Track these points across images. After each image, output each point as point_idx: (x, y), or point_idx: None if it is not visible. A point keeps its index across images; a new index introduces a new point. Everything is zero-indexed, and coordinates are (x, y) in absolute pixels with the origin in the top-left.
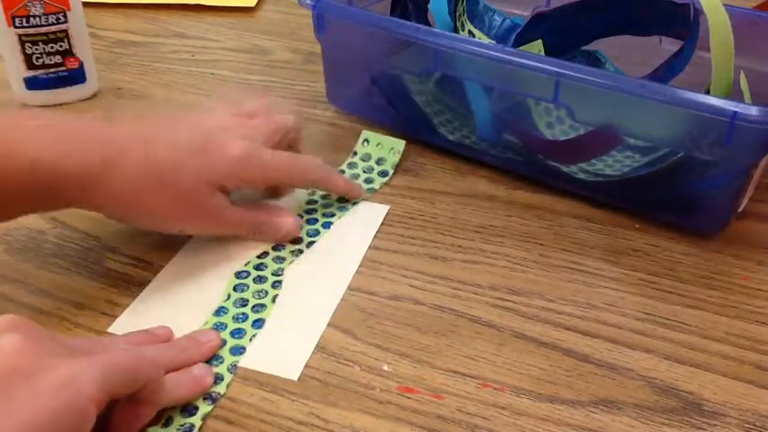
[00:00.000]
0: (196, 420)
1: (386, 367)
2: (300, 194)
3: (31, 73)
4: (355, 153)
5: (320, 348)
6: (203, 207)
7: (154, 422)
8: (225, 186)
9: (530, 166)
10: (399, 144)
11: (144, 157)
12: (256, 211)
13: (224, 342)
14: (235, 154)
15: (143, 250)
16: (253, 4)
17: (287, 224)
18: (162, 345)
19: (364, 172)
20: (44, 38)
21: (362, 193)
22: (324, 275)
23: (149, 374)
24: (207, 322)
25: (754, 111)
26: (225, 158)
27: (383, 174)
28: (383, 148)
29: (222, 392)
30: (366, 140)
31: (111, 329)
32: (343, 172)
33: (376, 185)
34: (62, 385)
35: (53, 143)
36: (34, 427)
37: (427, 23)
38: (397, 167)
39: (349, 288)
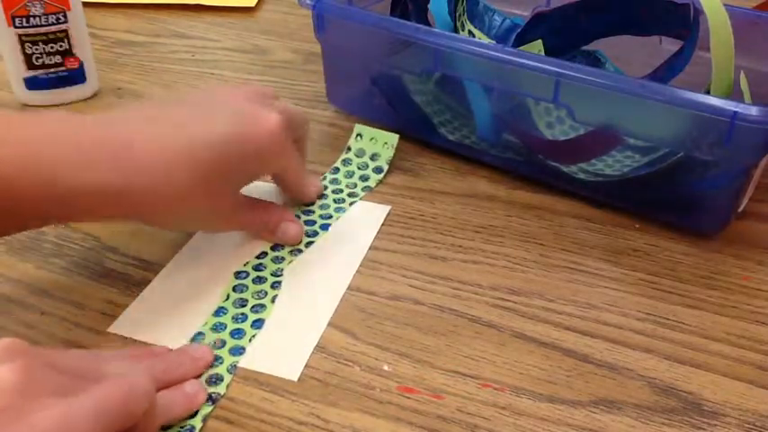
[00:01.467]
0: (196, 421)
1: (386, 367)
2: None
3: (31, 73)
4: (349, 148)
5: (320, 348)
6: (222, 211)
7: None
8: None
9: (530, 166)
10: (393, 138)
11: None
12: (268, 212)
13: (223, 343)
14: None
15: (143, 250)
16: (253, 4)
17: (292, 230)
18: (155, 359)
19: (359, 169)
20: (44, 38)
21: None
22: (323, 275)
23: (143, 407)
24: (206, 323)
25: (754, 111)
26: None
27: (378, 170)
28: (377, 142)
29: (222, 393)
30: (359, 135)
31: (111, 329)
32: (337, 170)
33: (372, 183)
34: (55, 428)
35: (69, 157)
36: None
37: (427, 23)
38: (393, 165)
39: (349, 288)
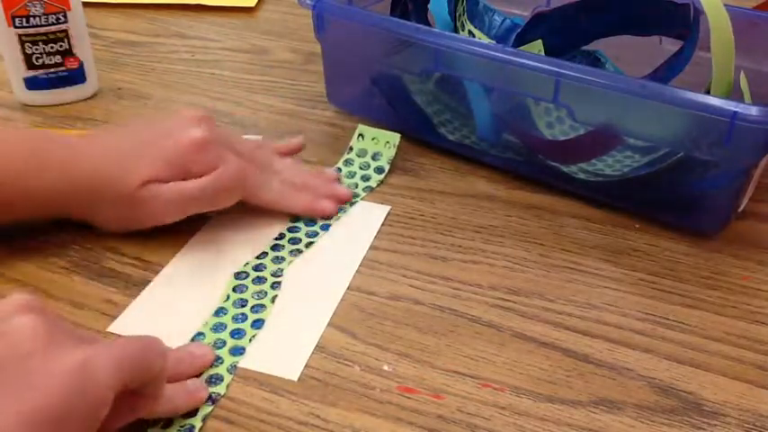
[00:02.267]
0: (196, 421)
1: (386, 367)
2: None
3: (31, 73)
4: (351, 149)
5: (320, 348)
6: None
7: (154, 423)
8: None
9: (530, 166)
10: (394, 137)
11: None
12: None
13: (223, 343)
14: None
15: (143, 250)
16: (253, 4)
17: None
18: None
19: (361, 168)
20: (44, 38)
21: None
22: (323, 275)
23: (159, 365)
24: (206, 323)
25: (754, 111)
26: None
27: (379, 170)
28: (378, 142)
29: (222, 393)
30: (361, 135)
31: (111, 329)
32: (339, 170)
33: (373, 183)
34: (77, 370)
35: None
36: (50, 410)
37: (427, 23)
38: (394, 165)
39: (349, 288)
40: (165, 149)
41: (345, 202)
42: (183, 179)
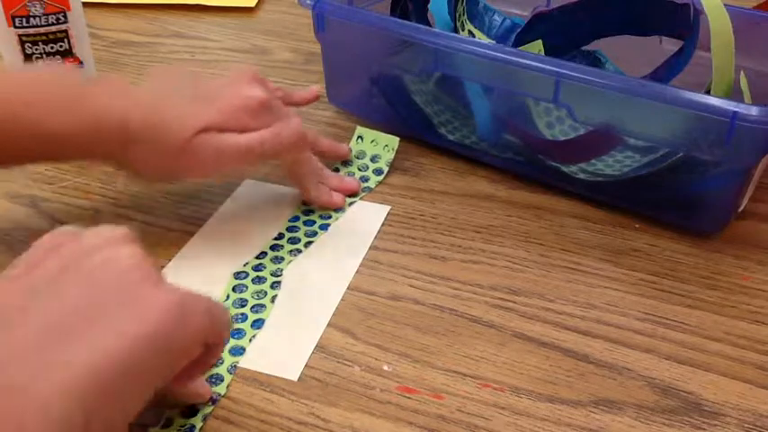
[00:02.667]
0: (197, 421)
1: (386, 367)
2: (297, 195)
3: None
4: (349, 150)
5: (320, 348)
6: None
7: (154, 423)
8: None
9: (530, 166)
10: (393, 141)
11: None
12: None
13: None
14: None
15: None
16: (253, 4)
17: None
18: None
19: (359, 170)
20: (44, 38)
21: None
22: (323, 275)
23: (227, 334)
24: None
25: (754, 111)
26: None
27: (378, 172)
28: (377, 145)
29: (222, 393)
30: (360, 137)
31: None
32: (337, 170)
33: (371, 184)
34: (180, 305)
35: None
36: (158, 337)
37: (427, 23)
38: (393, 166)
39: (349, 288)
40: (224, 102)
41: (354, 194)
42: (239, 130)
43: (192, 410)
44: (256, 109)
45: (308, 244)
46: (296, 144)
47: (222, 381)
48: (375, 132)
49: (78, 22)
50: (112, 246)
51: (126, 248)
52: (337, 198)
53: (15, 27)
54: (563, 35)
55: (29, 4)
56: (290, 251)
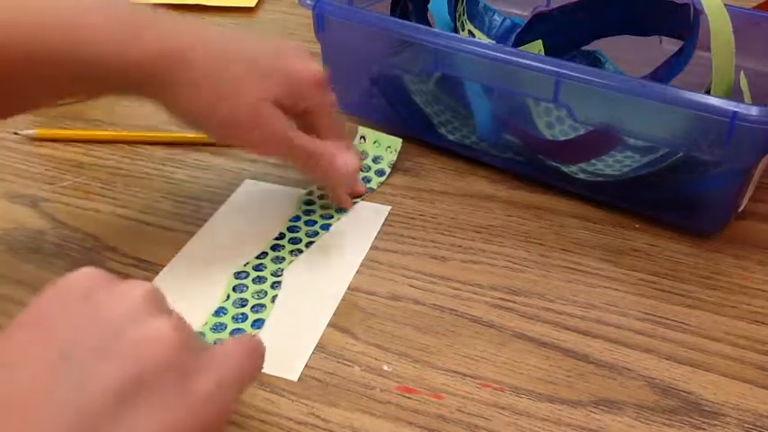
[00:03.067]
0: None
1: (386, 367)
2: (298, 195)
3: None
4: None
5: (320, 348)
6: (265, 122)
7: None
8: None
9: (530, 166)
10: (396, 142)
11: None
12: (320, 142)
13: None
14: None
15: (143, 250)
16: (253, 4)
17: (346, 160)
18: None
19: (361, 170)
20: None
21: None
22: (323, 275)
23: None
24: (206, 323)
25: (754, 111)
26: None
27: (380, 173)
28: (380, 146)
29: None
30: (362, 137)
31: None
32: None
33: (374, 185)
34: (214, 393)
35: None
36: (191, 428)
37: (427, 23)
38: (395, 167)
39: (349, 288)
40: (282, 73)
41: (358, 196)
42: (291, 107)
43: None
44: (317, 87)
45: (309, 244)
46: (342, 180)
47: None
48: (377, 133)
49: None
50: (140, 320)
51: (155, 323)
52: (347, 198)
53: None
54: (563, 35)
55: None
56: (292, 251)
